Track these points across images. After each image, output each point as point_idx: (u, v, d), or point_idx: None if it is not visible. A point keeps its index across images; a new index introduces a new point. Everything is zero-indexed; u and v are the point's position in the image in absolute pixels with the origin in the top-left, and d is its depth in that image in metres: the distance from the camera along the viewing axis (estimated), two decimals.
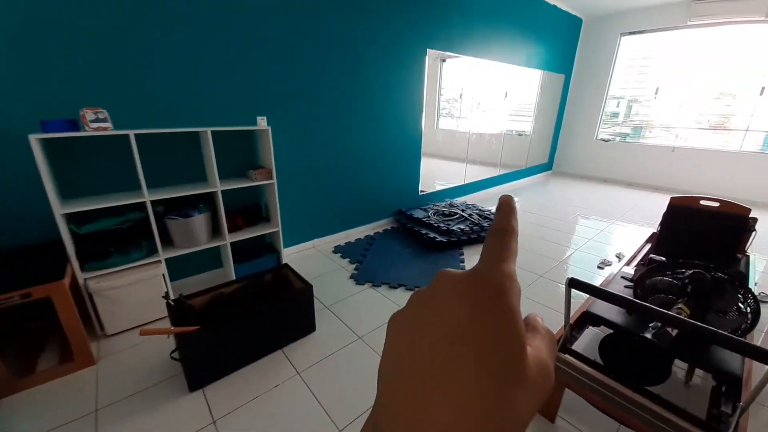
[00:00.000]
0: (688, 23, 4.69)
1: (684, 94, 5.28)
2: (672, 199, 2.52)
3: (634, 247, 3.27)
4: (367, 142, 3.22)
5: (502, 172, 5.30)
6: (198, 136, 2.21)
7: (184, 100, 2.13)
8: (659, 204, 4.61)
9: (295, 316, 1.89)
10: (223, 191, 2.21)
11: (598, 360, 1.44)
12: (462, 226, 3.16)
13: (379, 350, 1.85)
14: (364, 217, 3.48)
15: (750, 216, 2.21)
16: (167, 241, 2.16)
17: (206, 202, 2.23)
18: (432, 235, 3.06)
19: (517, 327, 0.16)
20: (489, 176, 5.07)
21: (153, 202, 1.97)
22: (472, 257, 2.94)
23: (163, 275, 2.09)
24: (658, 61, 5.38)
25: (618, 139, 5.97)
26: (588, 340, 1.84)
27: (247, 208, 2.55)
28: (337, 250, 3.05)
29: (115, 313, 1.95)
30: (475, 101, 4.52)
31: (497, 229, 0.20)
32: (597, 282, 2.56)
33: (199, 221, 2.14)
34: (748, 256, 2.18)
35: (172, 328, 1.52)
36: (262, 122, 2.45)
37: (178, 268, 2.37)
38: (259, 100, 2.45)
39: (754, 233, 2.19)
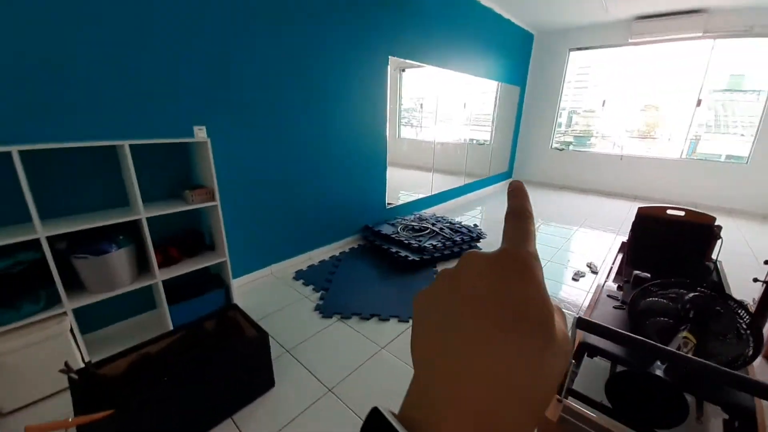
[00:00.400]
0: (629, 41, 5.00)
1: (624, 105, 5.65)
2: (640, 209, 2.51)
3: (601, 254, 3.35)
4: (327, 153, 2.93)
5: (467, 180, 5.25)
6: (116, 152, 1.78)
7: (99, 107, 1.70)
8: (614, 210, 4.80)
9: (247, 371, 1.53)
10: (150, 218, 1.80)
11: (605, 402, 1.27)
12: (434, 242, 2.96)
13: (354, 404, 1.54)
14: (328, 236, 3.15)
15: (715, 224, 2.23)
16: (77, 286, 1.70)
17: (129, 232, 1.79)
18: (403, 253, 2.82)
19: (545, 295, 0.17)
20: (454, 186, 4.98)
21: (51, 238, 1.52)
22: None
23: (71, 331, 1.62)
24: (605, 75, 5.72)
25: (571, 147, 6.24)
26: (587, 376, 1.69)
27: (185, 237, 2.13)
28: (299, 275, 2.70)
29: (9, 385, 1.46)
30: (435, 111, 4.42)
31: (515, 213, 0.21)
32: (577, 296, 2.47)
33: (118, 258, 1.70)
34: (716, 264, 2.18)
35: (71, 419, 1.10)
36: (200, 133, 2.07)
37: (95, 316, 1.89)
38: (198, 107, 2.07)
39: (720, 241, 2.19)
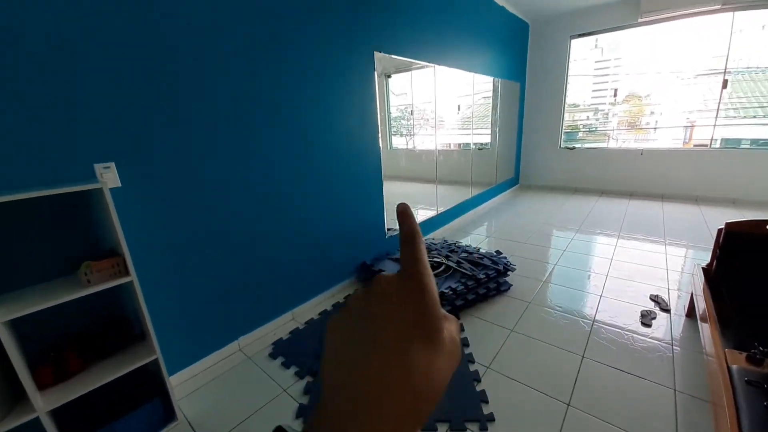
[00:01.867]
0: (639, 20, 4.46)
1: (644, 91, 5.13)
2: (727, 225, 1.85)
3: (656, 276, 2.57)
4: (305, 176, 2.26)
5: (475, 192, 4.60)
6: None
7: None
8: (644, 213, 4.16)
9: None
10: (21, 319, 1.10)
11: None
12: (452, 284, 2.28)
13: None
14: (315, 284, 2.46)
15: None
16: None
17: None
18: None
19: (434, 307, 0.20)
20: (461, 199, 4.32)
21: None
22: (475, 331, 2.05)
23: None
24: (614, 62, 5.18)
25: (583, 146, 5.65)
26: None
27: (103, 329, 1.43)
28: (278, 349, 1.99)
29: None
30: (428, 116, 3.82)
31: (406, 238, 0.23)
32: (660, 357, 1.52)
33: None
34: None
35: None
36: (106, 174, 1.39)
37: None
38: (103, 133, 1.39)
39: None
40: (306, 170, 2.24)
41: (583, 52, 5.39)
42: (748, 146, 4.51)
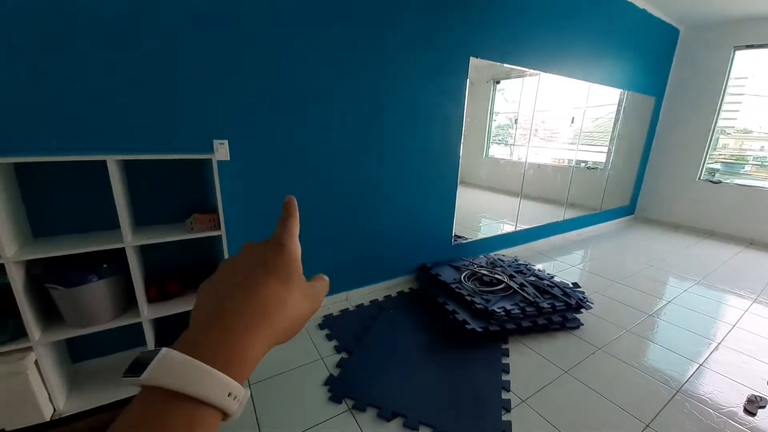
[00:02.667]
0: None
1: None
2: None
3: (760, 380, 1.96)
4: (379, 171, 2.40)
5: (569, 215, 4.13)
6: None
7: (91, 113, 1.49)
8: None
9: None
10: (150, 246, 1.52)
11: None
12: (507, 304, 2.14)
13: None
14: (372, 273, 2.60)
15: None
16: (55, 317, 1.49)
17: (117, 260, 1.53)
18: (462, 316, 2.09)
19: (289, 259, 0.28)
20: (550, 220, 3.94)
21: (22, 263, 1.31)
22: (520, 360, 1.90)
23: (37, 367, 1.40)
24: None
25: (733, 181, 4.48)
26: None
27: (194, 268, 1.83)
28: (326, 323, 2.20)
29: None
30: (531, 125, 3.55)
31: (284, 215, 0.30)
32: None
33: (95, 290, 1.43)
34: None
35: None
36: (221, 149, 1.75)
37: (80, 347, 1.69)
38: (218, 117, 1.76)
39: None
40: (381, 163, 2.38)
41: (757, 68, 4.24)
42: None
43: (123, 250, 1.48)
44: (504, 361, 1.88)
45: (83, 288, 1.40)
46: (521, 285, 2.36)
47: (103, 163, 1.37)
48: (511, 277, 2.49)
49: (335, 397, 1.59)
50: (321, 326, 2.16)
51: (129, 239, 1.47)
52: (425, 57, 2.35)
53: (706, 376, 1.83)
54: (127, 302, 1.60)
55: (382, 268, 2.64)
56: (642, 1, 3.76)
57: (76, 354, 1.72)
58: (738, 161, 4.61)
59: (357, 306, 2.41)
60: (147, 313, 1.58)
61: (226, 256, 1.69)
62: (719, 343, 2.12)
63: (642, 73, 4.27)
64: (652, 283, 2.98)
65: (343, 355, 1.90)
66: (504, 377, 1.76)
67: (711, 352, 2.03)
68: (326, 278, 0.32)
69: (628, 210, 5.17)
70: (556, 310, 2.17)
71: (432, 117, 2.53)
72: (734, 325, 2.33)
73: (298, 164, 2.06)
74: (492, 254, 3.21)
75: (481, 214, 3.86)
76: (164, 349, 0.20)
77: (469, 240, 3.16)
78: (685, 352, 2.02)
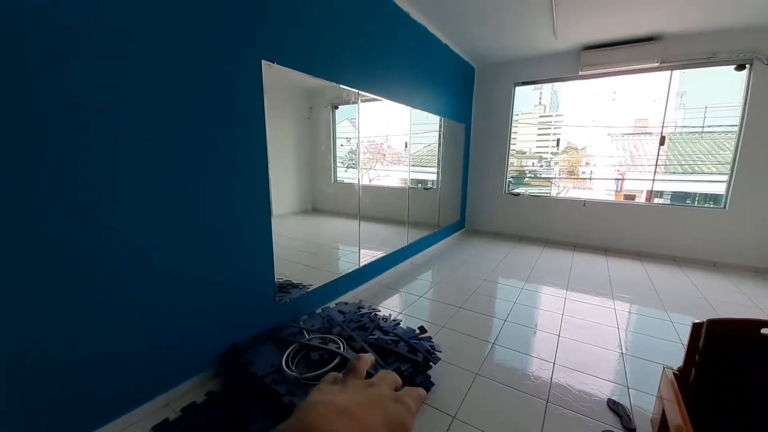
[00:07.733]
0: (580, 73, 4.41)
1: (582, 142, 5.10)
2: (709, 323, 1.35)
3: (607, 367, 1.85)
4: (133, 224, 1.47)
5: (412, 236, 4.02)
6: None
7: None
8: (588, 268, 3.80)
9: None
10: None
11: None
12: None
13: None
14: (132, 388, 1.59)
15: None
16: None
17: None
18: None
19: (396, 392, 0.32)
20: (396, 245, 3.70)
21: None
22: None
23: None
24: (554, 117, 5.13)
25: (528, 192, 5.42)
26: None
27: None
28: None
29: None
30: (382, 150, 3.29)
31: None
32: None
33: None
34: None
35: None
36: None
37: None
38: None
39: None
40: (129, 224, 1.47)
41: (528, 102, 5.36)
42: (683, 203, 4.48)
43: None
44: None
45: None
46: (361, 351, 1.83)
47: None
48: (349, 340, 1.93)
49: None
50: None
51: None
52: (196, 60, 1.61)
53: (555, 418, 1.66)
54: None
55: (156, 370, 1.66)
56: (444, 37, 4.09)
57: None
58: (520, 175, 5.77)
59: None
60: None
61: None
62: (554, 364, 2.10)
63: (454, 103, 4.69)
64: (489, 301, 2.99)
65: None
66: None
67: (551, 376, 1.95)
68: (410, 391, 0.33)
69: (459, 224, 5.62)
70: (403, 377, 1.71)
71: (209, 140, 1.78)
72: (555, 353, 2.42)
73: None
74: (333, 303, 2.64)
75: (336, 243, 3.33)
76: None
77: (306, 290, 2.49)
78: (532, 374, 1.87)
